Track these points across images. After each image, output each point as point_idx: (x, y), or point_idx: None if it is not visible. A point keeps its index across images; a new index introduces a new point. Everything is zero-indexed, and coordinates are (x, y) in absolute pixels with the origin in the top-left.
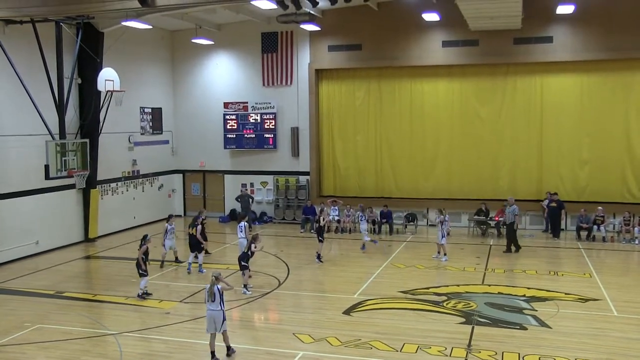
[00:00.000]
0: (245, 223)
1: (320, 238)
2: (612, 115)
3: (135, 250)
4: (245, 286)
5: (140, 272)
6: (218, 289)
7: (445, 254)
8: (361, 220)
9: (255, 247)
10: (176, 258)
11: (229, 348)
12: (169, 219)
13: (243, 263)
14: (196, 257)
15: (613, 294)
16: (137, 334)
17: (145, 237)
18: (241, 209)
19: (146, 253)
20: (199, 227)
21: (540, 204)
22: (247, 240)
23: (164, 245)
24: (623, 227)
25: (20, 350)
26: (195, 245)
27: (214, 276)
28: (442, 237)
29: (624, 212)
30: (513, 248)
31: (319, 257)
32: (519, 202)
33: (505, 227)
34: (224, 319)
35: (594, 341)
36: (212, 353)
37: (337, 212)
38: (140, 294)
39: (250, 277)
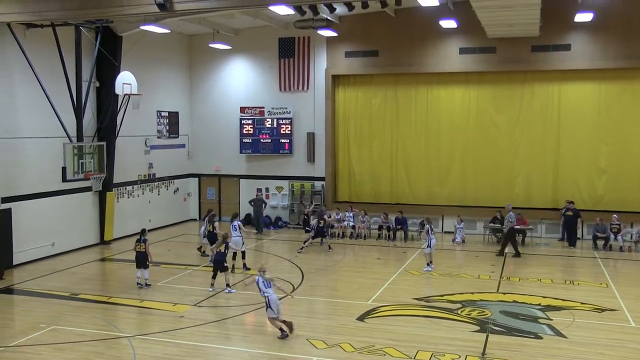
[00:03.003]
0: (239, 222)
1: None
2: (630, 123)
3: (150, 253)
4: (228, 285)
5: (148, 264)
6: (267, 279)
7: (427, 264)
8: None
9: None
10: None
11: (285, 323)
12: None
13: (225, 264)
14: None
15: (630, 304)
16: (150, 336)
17: (144, 231)
18: (253, 212)
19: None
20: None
21: (560, 212)
22: (242, 239)
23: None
24: None
25: (36, 351)
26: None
27: (261, 271)
28: (428, 246)
29: None
30: (511, 251)
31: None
32: (534, 211)
33: (505, 233)
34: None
35: (610, 352)
36: (282, 329)
37: (352, 218)
38: (147, 283)
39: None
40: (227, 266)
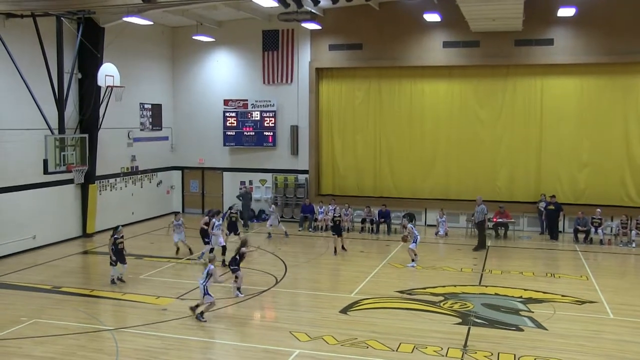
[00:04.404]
0: (217, 221)
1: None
2: (612, 118)
3: (133, 246)
4: (238, 289)
5: (111, 262)
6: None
7: (412, 260)
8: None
9: (245, 251)
10: (189, 250)
11: (197, 306)
12: (175, 214)
13: (232, 267)
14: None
15: (609, 297)
16: (133, 329)
17: (116, 228)
18: (242, 207)
19: (115, 244)
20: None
21: (537, 205)
22: (218, 236)
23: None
24: (620, 230)
25: (17, 345)
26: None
27: (210, 260)
28: (413, 242)
29: (621, 215)
30: (482, 243)
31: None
32: (517, 204)
33: (475, 225)
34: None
35: (590, 343)
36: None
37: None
38: (112, 280)
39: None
40: (235, 268)
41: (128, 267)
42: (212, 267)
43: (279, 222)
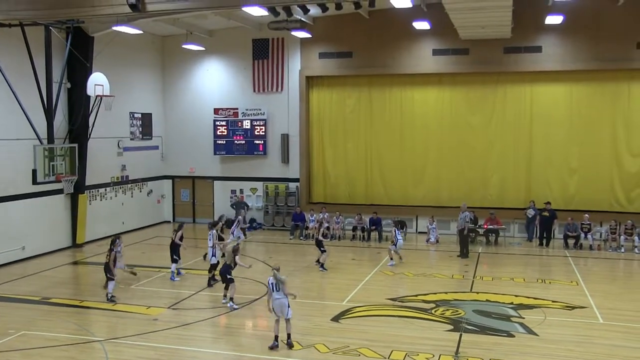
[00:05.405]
0: (215, 231)
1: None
2: (600, 124)
3: (124, 255)
4: (232, 299)
5: (109, 276)
6: (281, 280)
7: (391, 259)
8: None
9: (238, 262)
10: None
11: (289, 336)
12: (117, 238)
13: (229, 277)
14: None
15: (599, 302)
16: (124, 340)
17: (114, 241)
18: (235, 216)
19: (115, 259)
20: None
21: (525, 212)
22: (214, 249)
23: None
24: (610, 236)
25: (4, 358)
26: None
27: (275, 269)
28: (394, 244)
29: (610, 221)
30: (464, 250)
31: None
32: (507, 210)
33: (457, 232)
34: (289, 306)
35: (580, 348)
36: (276, 337)
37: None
38: (109, 297)
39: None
40: (232, 279)
41: (118, 277)
42: (284, 277)
43: (240, 235)
